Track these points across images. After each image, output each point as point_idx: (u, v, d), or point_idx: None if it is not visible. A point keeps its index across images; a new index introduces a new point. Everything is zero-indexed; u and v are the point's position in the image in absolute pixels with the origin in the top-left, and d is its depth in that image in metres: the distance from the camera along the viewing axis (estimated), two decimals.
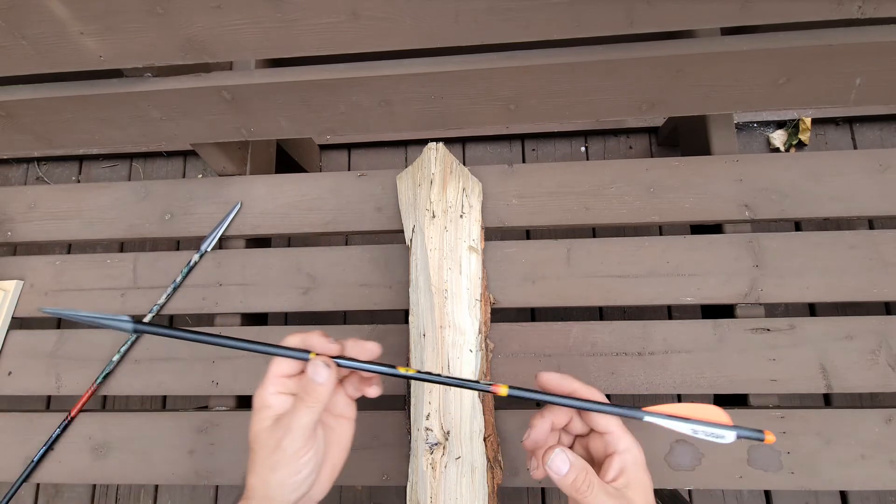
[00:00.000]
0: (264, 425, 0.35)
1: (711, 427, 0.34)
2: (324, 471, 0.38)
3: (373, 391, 0.38)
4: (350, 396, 0.39)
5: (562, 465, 0.34)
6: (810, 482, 0.50)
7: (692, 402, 0.36)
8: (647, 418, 0.34)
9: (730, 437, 0.34)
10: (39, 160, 1.23)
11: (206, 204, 0.64)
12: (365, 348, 0.37)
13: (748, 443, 0.51)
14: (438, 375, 0.35)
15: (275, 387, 0.36)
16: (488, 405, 0.50)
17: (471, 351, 0.50)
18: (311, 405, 0.34)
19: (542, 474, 0.35)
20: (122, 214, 0.65)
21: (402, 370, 0.35)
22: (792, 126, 1.05)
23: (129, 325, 0.33)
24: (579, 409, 0.35)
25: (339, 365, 0.35)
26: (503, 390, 0.35)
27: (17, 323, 0.63)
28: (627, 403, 0.36)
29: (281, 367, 0.36)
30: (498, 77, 0.49)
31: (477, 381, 0.35)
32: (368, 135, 1.10)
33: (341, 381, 0.39)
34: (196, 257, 0.61)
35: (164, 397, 1.04)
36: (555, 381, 0.36)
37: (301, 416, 0.34)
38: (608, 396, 0.86)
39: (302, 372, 0.36)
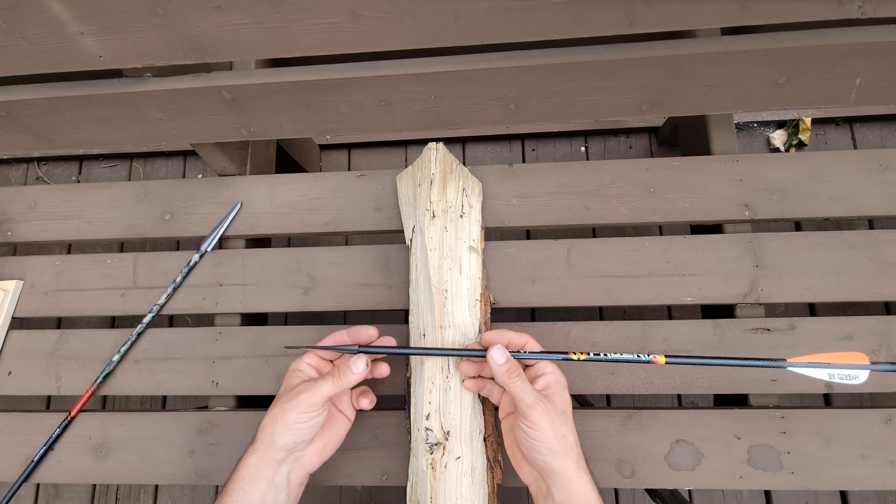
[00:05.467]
0: (294, 381, 0.46)
1: (846, 369, 0.42)
2: (317, 443, 0.47)
3: (366, 403, 0.50)
4: (353, 403, 0.50)
5: (500, 357, 0.44)
6: (810, 482, 0.50)
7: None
8: (791, 368, 0.43)
9: (863, 376, 0.41)
10: (39, 160, 1.23)
11: (206, 204, 0.64)
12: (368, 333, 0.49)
13: (748, 442, 0.51)
14: (607, 354, 0.45)
15: (310, 359, 0.48)
16: (489, 405, 0.50)
17: None
18: (336, 382, 0.44)
19: (471, 386, 0.48)
20: (122, 214, 0.65)
21: (574, 356, 0.46)
22: (792, 126, 1.05)
23: (355, 348, 0.46)
24: (726, 366, 0.45)
25: (519, 357, 0.46)
26: (661, 359, 0.44)
27: (17, 323, 0.63)
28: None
29: (322, 350, 0.49)
30: (498, 77, 0.49)
31: (638, 355, 0.45)
32: (368, 135, 1.10)
33: (352, 388, 0.49)
34: (196, 257, 0.61)
35: (164, 397, 1.04)
36: (495, 336, 0.47)
37: (324, 385, 0.44)
38: (607, 397, 0.87)
39: (332, 361, 0.49)
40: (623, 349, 0.54)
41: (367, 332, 0.48)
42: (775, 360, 0.43)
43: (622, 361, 0.46)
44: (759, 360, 0.44)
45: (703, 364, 0.44)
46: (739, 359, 0.44)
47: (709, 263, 0.56)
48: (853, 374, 0.42)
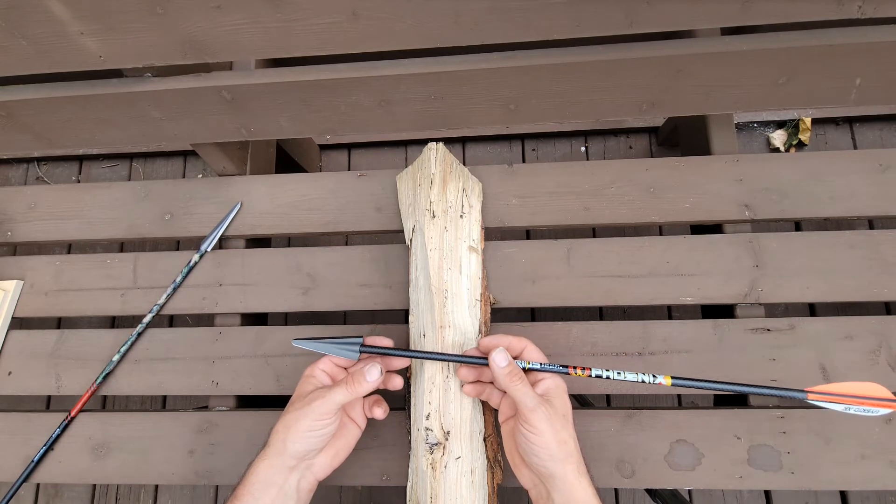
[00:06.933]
0: (308, 388, 0.46)
1: (868, 406, 0.41)
2: (328, 451, 0.46)
3: (379, 413, 0.49)
4: (365, 411, 0.49)
5: (501, 361, 0.44)
6: (810, 482, 0.50)
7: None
8: (811, 398, 0.41)
9: (884, 412, 0.40)
10: (39, 160, 1.23)
11: (206, 204, 0.64)
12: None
13: (748, 442, 0.51)
14: (610, 376, 0.45)
15: (325, 366, 0.47)
16: (488, 405, 0.50)
17: None
18: (349, 390, 0.43)
19: (471, 391, 0.48)
20: (122, 214, 0.65)
21: (572, 373, 0.45)
22: (792, 126, 1.05)
23: (356, 353, 0.46)
24: (746, 393, 0.44)
25: (529, 369, 0.45)
26: (667, 381, 0.43)
27: (17, 323, 0.63)
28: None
29: (337, 357, 0.48)
30: (498, 77, 0.49)
31: (645, 375, 0.44)
32: (368, 135, 1.10)
33: (364, 397, 0.49)
34: (196, 257, 0.61)
35: (164, 397, 1.04)
36: (493, 341, 0.46)
37: (337, 393, 0.43)
38: (607, 397, 0.87)
39: (346, 368, 0.48)
40: (623, 349, 0.54)
41: (383, 343, 0.48)
42: (794, 390, 0.41)
43: (627, 382, 0.45)
44: (777, 388, 0.41)
45: (712, 390, 0.43)
46: (754, 386, 0.42)
47: (709, 263, 0.56)
48: (873, 410, 0.40)
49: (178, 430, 0.57)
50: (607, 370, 0.45)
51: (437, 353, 0.48)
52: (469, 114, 0.54)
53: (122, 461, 0.56)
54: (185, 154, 1.20)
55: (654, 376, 0.44)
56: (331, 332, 0.58)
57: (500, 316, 0.57)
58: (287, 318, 0.83)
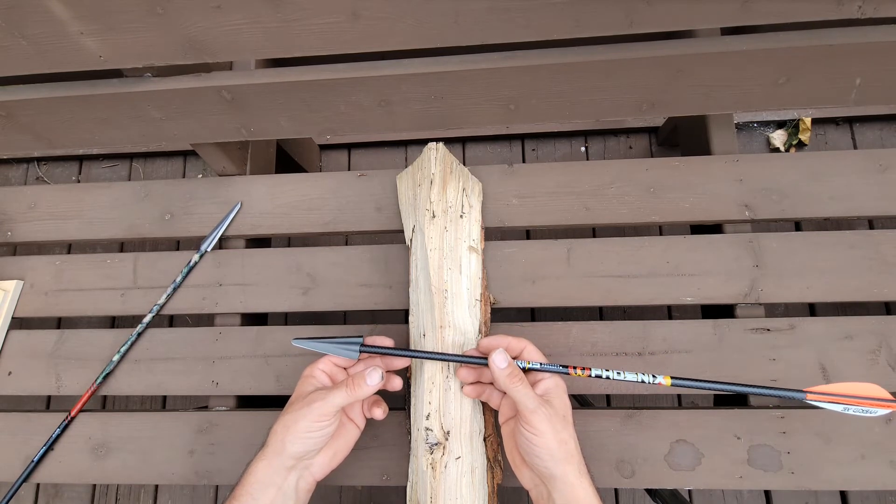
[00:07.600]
0: (307, 388, 0.46)
1: (865, 406, 0.41)
2: (327, 451, 0.46)
3: (379, 413, 0.49)
4: (364, 412, 0.49)
5: (501, 361, 0.43)
6: (810, 482, 0.50)
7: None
8: (810, 398, 0.42)
9: (882, 412, 0.41)
10: (39, 160, 1.23)
11: (206, 204, 0.64)
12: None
13: (748, 442, 0.51)
14: (610, 375, 0.45)
15: (325, 366, 0.47)
16: (488, 405, 0.50)
17: None
18: (349, 393, 0.43)
19: (470, 392, 0.48)
20: (122, 214, 0.65)
21: (572, 373, 0.45)
22: (792, 126, 1.05)
23: (356, 353, 0.46)
24: (746, 393, 0.44)
25: (528, 369, 0.45)
26: (667, 381, 0.44)
27: (17, 323, 0.63)
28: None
29: (337, 358, 0.48)
30: (498, 77, 0.49)
31: (645, 375, 0.44)
32: (368, 135, 1.10)
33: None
34: (196, 257, 0.61)
35: (164, 397, 1.04)
36: (493, 342, 0.46)
37: (337, 395, 0.43)
38: (607, 397, 0.87)
39: (346, 368, 0.49)
40: (623, 349, 0.54)
41: (383, 343, 0.48)
42: (794, 390, 0.42)
43: (627, 382, 0.45)
44: (776, 389, 0.42)
45: (712, 390, 0.43)
46: (753, 386, 0.42)
47: (709, 263, 0.56)
48: (872, 410, 0.41)
49: (178, 430, 0.57)
50: (607, 370, 0.45)
51: (437, 353, 0.48)
52: (469, 114, 0.54)
53: (122, 461, 0.56)
54: (185, 154, 1.20)
55: (653, 376, 0.44)
56: (331, 332, 0.58)
57: (500, 316, 0.57)
58: (287, 318, 0.83)
